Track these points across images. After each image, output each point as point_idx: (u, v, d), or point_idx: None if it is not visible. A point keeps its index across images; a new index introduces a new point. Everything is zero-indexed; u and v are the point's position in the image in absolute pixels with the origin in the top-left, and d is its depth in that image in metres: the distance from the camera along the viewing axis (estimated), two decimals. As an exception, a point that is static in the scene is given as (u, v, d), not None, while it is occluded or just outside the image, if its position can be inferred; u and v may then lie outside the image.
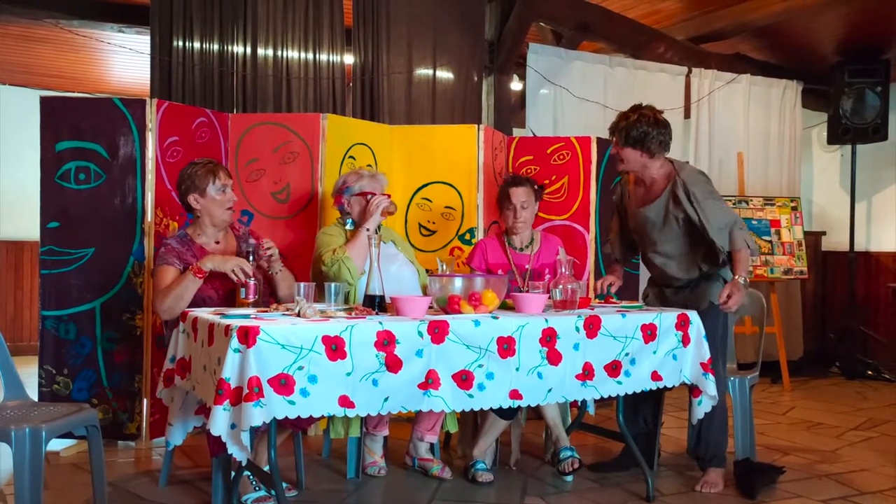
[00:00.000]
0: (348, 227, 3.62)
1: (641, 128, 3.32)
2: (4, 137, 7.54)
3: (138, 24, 5.60)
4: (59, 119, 3.94)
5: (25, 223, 7.17)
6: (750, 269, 5.94)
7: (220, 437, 2.46)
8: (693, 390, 3.31)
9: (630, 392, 3.17)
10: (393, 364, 2.65)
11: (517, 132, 5.87)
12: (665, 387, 3.26)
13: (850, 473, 3.76)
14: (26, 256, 7.42)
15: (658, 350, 3.20)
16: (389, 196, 3.57)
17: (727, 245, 3.29)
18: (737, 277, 3.25)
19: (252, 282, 3.06)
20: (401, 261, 3.62)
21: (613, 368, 3.10)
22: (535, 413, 3.84)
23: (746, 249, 3.27)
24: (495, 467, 3.66)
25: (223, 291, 3.20)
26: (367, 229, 3.39)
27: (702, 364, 3.26)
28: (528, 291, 3.25)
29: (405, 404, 2.73)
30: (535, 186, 3.84)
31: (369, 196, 3.55)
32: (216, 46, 4.87)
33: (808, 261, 6.35)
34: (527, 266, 3.75)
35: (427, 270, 3.75)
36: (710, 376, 3.25)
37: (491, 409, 2.92)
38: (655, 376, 3.20)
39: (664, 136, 3.35)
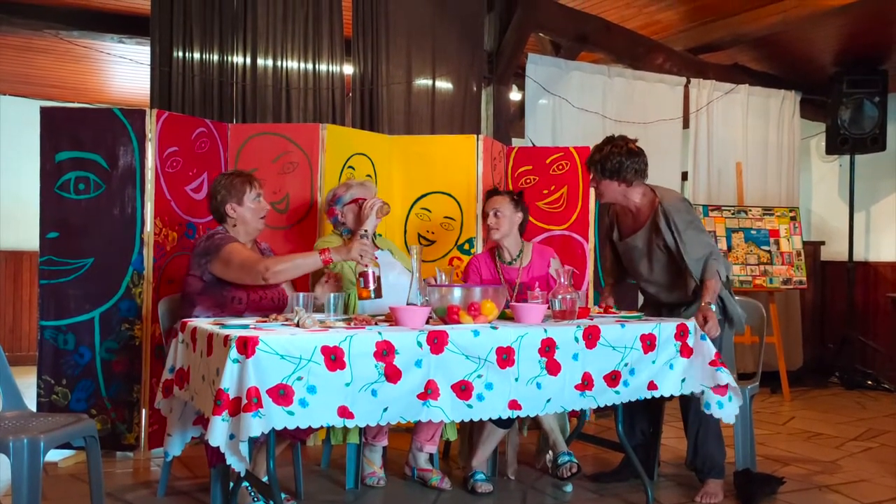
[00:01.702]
0: (345, 235, 3.65)
1: (616, 159, 3.37)
2: (4, 147, 7.55)
3: (138, 35, 5.61)
4: (58, 129, 3.95)
5: (25, 233, 7.19)
6: (749, 279, 6.01)
7: (218, 447, 2.45)
8: (716, 391, 3.21)
9: (627, 401, 3.17)
10: (392, 374, 2.65)
11: (516, 142, 5.89)
12: (662, 396, 3.24)
13: (850, 484, 3.75)
14: (25, 266, 7.42)
15: (657, 360, 3.18)
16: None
17: (700, 275, 3.35)
18: (704, 304, 3.28)
19: (370, 271, 3.05)
20: (399, 269, 3.63)
21: (613, 379, 3.10)
22: (535, 423, 3.83)
23: (717, 279, 3.31)
24: (494, 478, 3.65)
25: (254, 297, 3.22)
26: (366, 230, 3.42)
27: (711, 363, 3.21)
28: (525, 300, 3.25)
29: (404, 415, 2.72)
30: (515, 196, 3.84)
31: (361, 201, 3.58)
32: (216, 57, 4.88)
33: (807, 271, 6.36)
34: (517, 280, 3.74)
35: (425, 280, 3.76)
36: (723, 368, 3.19)
37: (493, 418, 2.91)
38: (651, 385, 3.18)
39: (639, 164, 3.40)
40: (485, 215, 3.79)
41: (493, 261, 3.81)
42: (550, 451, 3.59)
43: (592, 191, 4.60)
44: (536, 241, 4.28)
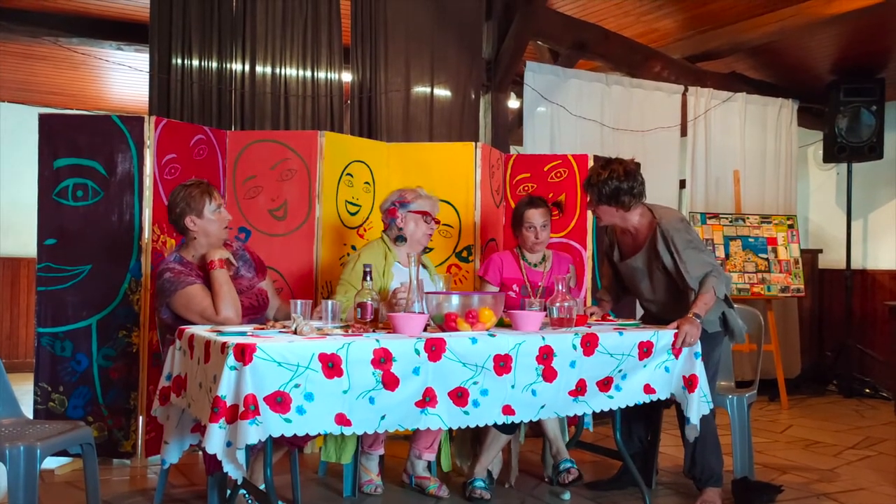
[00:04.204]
0: (397, 244, 3.57)
1: (612, 184, 3.35)
2: (3, 154, 7.55)
3: (137, 42, 5.62)
4: (57, 136, 3.95)
5: (23, 240, 7.18)
6: (746, 287, 6.02)
7: (215, 455, 2.45)
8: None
9: (623, 406, 3.16)
10: (390, 382, 2.65)
11: (514, 150, 5.89)
12: (659, 399, 3.24)
13: (848, 492, 3.75)
14: (23, 273, 7.41)
15: (649, 364, 3.19)
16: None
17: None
18: (690, 314, 3.23)
19: (369, 302, 3.04)
20: (429, 287, 3.56)
21: (605, 384, 3.10)
22: (534, 430, 3.83)
23: (712, 293, 3.28)
24: (492, 485, 3.64)
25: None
26: (384, 314, 3.18)
27: (683, 378, 3.24)
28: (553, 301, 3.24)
29: (402, 422, 2.72)
30: (552, 205, 3.87)
31: (425, 215, 3.55)
32: (215, 64, 4.89)
33: (804, 278, 6.36)
34: (539, 283, 3.77)
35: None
36: (689, 394, 3.22)
37: (489, 424, 2.91)
38: (648, 389, 3.19)
39: (636, 186, 3.38)
40: (526, 224, 3.75)
41: (518, 261, 3.83)
42: (553, 458, 3.60)
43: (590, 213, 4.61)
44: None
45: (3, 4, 5.35)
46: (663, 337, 3.20)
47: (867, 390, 6.54)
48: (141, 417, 3.95)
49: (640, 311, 3.84)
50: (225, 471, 2.52)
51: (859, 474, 4.09)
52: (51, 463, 3.81)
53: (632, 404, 3.19)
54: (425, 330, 2.89)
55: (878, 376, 6.70)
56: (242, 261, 3.37)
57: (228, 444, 2.45)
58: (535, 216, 3.75)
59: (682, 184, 6.81)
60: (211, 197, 3.22)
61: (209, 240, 3.25)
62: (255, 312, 3.26)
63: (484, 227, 4.54)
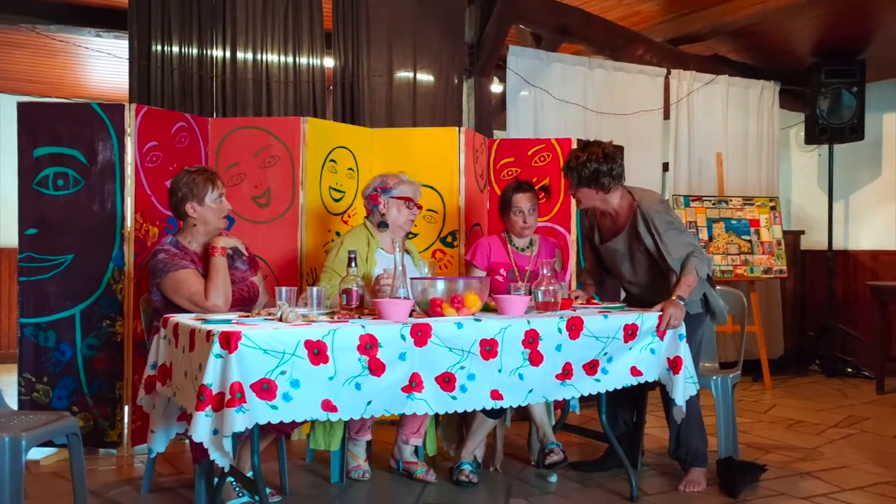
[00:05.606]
0: (380, 230, 3.57)
1: (591, 166, 3.36)
2: (-19, 143, 7.47)
3: (116, 29, 5.56)
4: (36, 125, 3.91)
5: (4, 230, 7.12)
6: (729, 268, 6.06)
7: (202, 443, 2.44)
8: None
9: (611, 388, 3.18)
10: (376, 368, 2.65)
11: (498, 134, 5.88)
12: (646, 381, 3.26)
13: (831, 470, 3.80)
14: (4, 264, 7.35)
15: (634, 346, 3.21)
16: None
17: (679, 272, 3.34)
18: (674, 296, 3.25)
19: (354, 288, 3.04)
20: (413, 273, 3.56)
21: (591, 367, 3.12)
22: (520, 414, 3.85)
23: (694, 275, 3.29)
24: (479, 469, 3.66)
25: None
26: (369, 300, 3.19)
27: (668, 360, 3.27)
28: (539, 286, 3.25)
29: (389, 408, 2.72)
30: (539, 189, 3.87)
31: (408, 201, 3.52)
32: (195, 50, 4.84)
33: (787, 260, 6.41)
34: (527, 267, 3.78)
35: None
36: (674, 376, 3.25)
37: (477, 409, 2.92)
38: (635, 371, 3.21)
39: (615, 168, 3.38)
40: (515, 209, 3.76)
41: (505, 246, 3.83)
42: (539, 443, 3.62)
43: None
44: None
45: (-21, -8, 5.28)
46: (648, 319, 3.22)
47: (849, 370, 6.62)
48: (126, 407, 3.93)
49: (624, 294, 3.86)
50: (212, 459, 2.52)
51: (842, 453, 4.14)
52: (36, 454, 3.80)
53: (619, 387, 3.21)
54: (411, 315, 2.90)
55: (861, 356, 6.77)
56: (237, 254, 3.37)
57: (215, 432, 2.45)
58: (523, 201, 3.76)
59: (666, 167, 6.83)
60: (214, 185, 3.23)
61: (206, 227, 3.26)
62: (244, 304, 3.26)
63: (468, 211, 4.54)
